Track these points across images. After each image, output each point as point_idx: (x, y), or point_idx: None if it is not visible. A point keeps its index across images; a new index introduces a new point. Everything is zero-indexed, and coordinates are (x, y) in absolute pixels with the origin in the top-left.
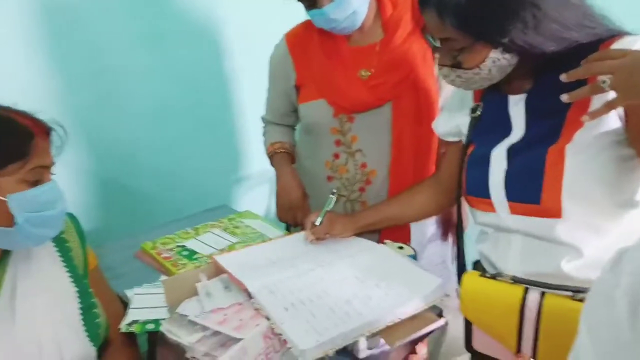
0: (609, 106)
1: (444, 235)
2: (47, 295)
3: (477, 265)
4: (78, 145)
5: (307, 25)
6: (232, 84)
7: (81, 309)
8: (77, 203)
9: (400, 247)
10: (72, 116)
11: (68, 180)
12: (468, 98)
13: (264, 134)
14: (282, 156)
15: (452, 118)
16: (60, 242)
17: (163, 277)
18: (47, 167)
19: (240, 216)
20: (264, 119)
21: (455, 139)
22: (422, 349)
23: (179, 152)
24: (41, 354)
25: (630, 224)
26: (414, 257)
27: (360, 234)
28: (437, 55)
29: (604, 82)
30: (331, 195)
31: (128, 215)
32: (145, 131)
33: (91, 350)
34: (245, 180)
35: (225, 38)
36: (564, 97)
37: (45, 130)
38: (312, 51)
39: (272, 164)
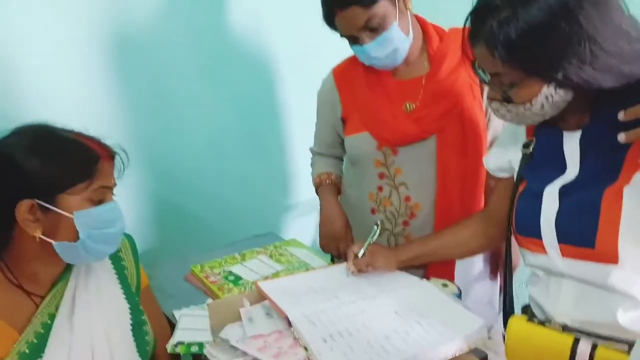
0: None
1: (492, 274)
2: (102, 310)
3: (526, 309)
4: (139, 169)
5: (353, 60)
6: (283, 115)
7: (132, 324)
8: (134, 223)
9: (445, 285)
10: (135, 141)
11: (127, 201)
12: (520, 133)
13: (312, 165)
14: (328, 187)
15: (503, 153)
16: (116, 260)
17: (209, 301)
18: (110, 188)
19: (286, 244)
20: (312, 151)
21: (506, 175)
22: None
23: (232, 178)
24: None
25: None
26: (459, 295)
27: (405, 269)
28: (486, 89)
29: None
30: (375, 227)
31: (181, 237)
32: (202, 157)
33: None
34: (293, 209)
35: (278, 72)
36: (621, 137)
37: (110, 154)
38: (357, 85)
39: (318, 194)
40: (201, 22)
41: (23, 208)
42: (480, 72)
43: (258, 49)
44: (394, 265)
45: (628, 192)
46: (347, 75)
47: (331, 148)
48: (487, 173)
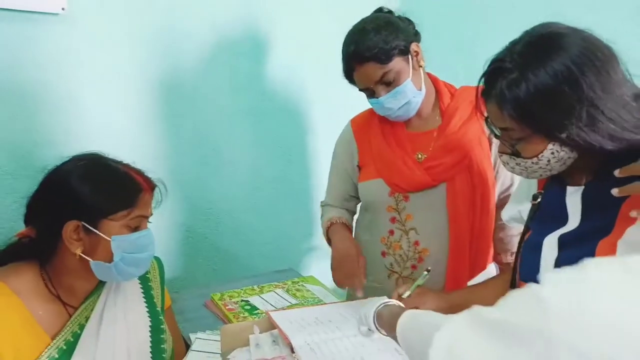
0: None
1: None
2: (126, 325)
3: None
4: (175, 200)
5: (370, 112)
6: (312, 159)
7: (151, 341)
8: (164, 250)
9: None
10: (174, 175)
11: (160, 229)
12: (533, 187)
13: (322, 216)
14: (339, 226)
15: (517, 205)
16: (144, 280)
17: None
18: (146, 217)
19: (304, 280)
20: (323, 204)
21: (517, 224)
22: None
23: (261, 215)
24: None
25: None
26: None
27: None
28: (496, 143)
29: None
30: (425, 272)
31: (207, 267)
32: (235, 194)
33: None
34: (316, 250)
35: (311, 120)
36: (614, 191)
37: (151, 186)
38: (373, 134)
39: (328, 234)
40: (243, 70)
41: (70, 228)
42: (492, 127)
43: (294, 97)
44: (445, 309)
45: (621, 246)
46: (365, 126)
47: (344, 201)
48: (495, 225)
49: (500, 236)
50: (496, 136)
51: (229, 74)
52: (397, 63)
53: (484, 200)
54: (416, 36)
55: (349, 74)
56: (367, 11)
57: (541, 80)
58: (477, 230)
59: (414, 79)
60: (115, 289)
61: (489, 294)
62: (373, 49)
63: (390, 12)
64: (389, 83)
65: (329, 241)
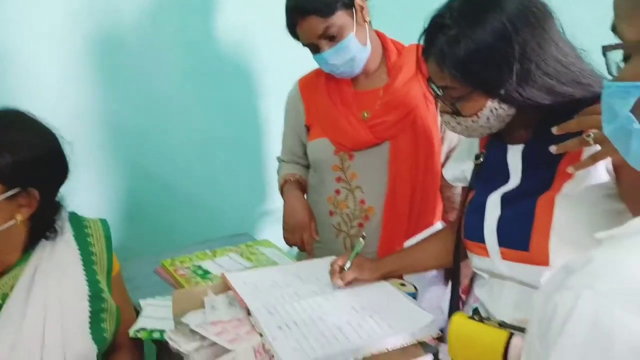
0: (593, 159)
1: (446, 280)
2: (60, 293)
3: (475, 311)
4: (121, 166)
5: (317, 72)
6: (266, 123)
7: (91, 311)
8: (113, 217)
9: (402, 284)
10: (120, 138)
11: (107, 194)
12: (475, 146)
13: (278, 171)
14: (292, 184)
15: (459, 164)
16: (84, 244)
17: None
18: None
19: (258, 244)
20: (279, 159)
21: (462, 184)
22: None
23: (213, 181)
24: (43, 347)
25: None
26: (414, 295)
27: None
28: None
29: (588, 135)
30: (360, 240)
31: (157, 234)
32: (185, 159)
33: (93, 352)
34: (271, 214)
35: (264, 80)
36: (553, 149)
37: None
38: (319, 94)
39: (282, 193)
40: (191, 28)
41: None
42: (433, 86)
43: (245, 59)
44: (379, 277)
45: (559, 201)
46: (311, 85)
47: (296, 156)
48: (442, 184)
49: (448, 195)
50: (437, 95)
51: (177, 31)
52: (340, 17)
53: (428, 158)
54: None
55: (292, 28)
56: None
57: (479, 37)
58: (421, 189)
59: (358, 34)
60: (49, 254)
61: (424, 258)
62: (314, 2)
63: None
64: (332, 37)
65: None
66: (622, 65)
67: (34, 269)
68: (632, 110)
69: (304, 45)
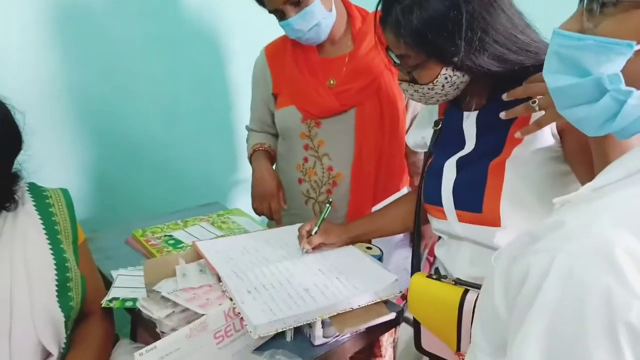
0: (537, 124)
1: (411, 242)
2: (26, 264)
3: (436, 271)
4: (88, 136)
5: (283, 39)
6: (235, 91)
7: (57, 280)
8: (81, 187)
9: (369, 247)
10: (85, 106)
11: (74, 165)
12: (435, 113)
13: (247, 140)
14: (261, 153)
15: (420, 131)
16: (46, 215)
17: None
18: None
19: (229, 213)
20: (248, 128)
21: (423, 150)
22: (387, 351)
23: (182, 149)
24: (12, 317)
25: None
26: (380, 257)
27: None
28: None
29: (533, 102)
30: (327, 205)
31: (127, 204)
32: (152, 128)
33: (61, 321)
34: (242, 183)
35: (231, 47)
36: (502, 114)
37: None
38: (286, 61)
39: (251, 162)
40: None
41: None
42: (391, 54)
43: (213, 25)
44: (345, 241)
45: (509, 165)
46: (278, 53)
47: (265, 125)
48: (407, 150)
49: (413, 160)
50: (395, 64)
51: None
52: None
53: (393, 124)
54: None
55: None
56: None
57: (432, 6)
58: (387, 154)
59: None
60: (10, 224)
61: (390, 222)
62: None
63: None
64: (298, 3)
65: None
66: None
67: None
68: (622, 72)
69: (270, 12)
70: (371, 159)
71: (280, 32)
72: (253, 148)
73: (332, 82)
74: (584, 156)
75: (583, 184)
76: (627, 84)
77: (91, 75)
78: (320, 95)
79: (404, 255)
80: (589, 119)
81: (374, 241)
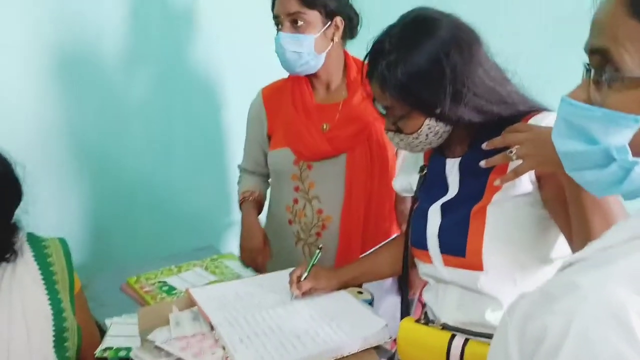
0: (515, 173)
1: (400, 287)
2: (23, 313)
3: (425, 315)
4: (83, 181)
5: (282, 83)
6: (230, 134)
7: (54, 330)
8: (76, 235)
9: (360, 292)
10: (81, 150)
11: (68, 209)
12: (420, 159)
13: (238, 182)
14: (250, 203)
15: (407, 176)
16: (45, 265)
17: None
18: None
19: (222, 257)
20: (240, 168)
21: (410, 194)
22: None
23: (177, 192)
24: None
25: (546, 277)
26: (371, 301)
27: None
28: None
29: (510, 151)
30: (317, 251)
31: (122, 248)
32: (146, 172)
33: None
34: (235, 225)
35: (225, 90)
36: (482, 163)
37: None
38: (283, 104)
39: (241, 209)
40: (153, 39)
41: None
42: (378, 105)
43: (209, 70)
44: (335, 286)
45: (490, 210)
46: (276, 94)
47: (258, 166)
48: (396, 198)
49: (401, 208)
50: (381, 114)
51: (138, 42)
52: (314, 16)
53: (382, 171)
54: (349, 20)
55: None
56: None
57: (415, 61)
58: (376, 200)
59: (319, 41)
60: (9, 275)
61: (379, 266)
62: None
63: None
64: (296, 24)
65: None
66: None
67: None
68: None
69: (274, 16)
70: (360, 204)
71: (271, 78)
72: (242, 195)
73: (325, 126)
74: (561, 204)
75: (561, 230)
76: (634, 154)
77: (87, 121)
78: (314, 139)
79: (394, 301)
80: (596, 183)
81: (366, 285)
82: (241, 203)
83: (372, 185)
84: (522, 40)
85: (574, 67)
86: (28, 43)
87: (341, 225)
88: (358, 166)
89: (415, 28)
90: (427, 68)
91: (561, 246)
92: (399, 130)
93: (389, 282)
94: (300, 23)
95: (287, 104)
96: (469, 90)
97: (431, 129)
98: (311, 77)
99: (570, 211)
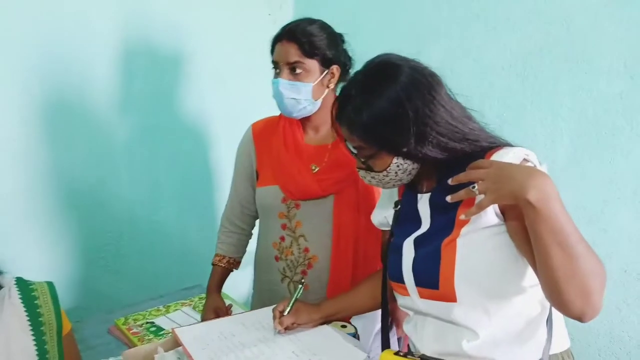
0: (478, 207)
1: (390, 325)
2: (8, 355)
3: (408, 347)
4: (72, 224)
5: (272, 120)
6: (216, 174)
7: None
8: (62, 277)
9: (344, 326)
10: (69, 197)
11: (56, 252)
12: (395, 194)
13: (219, 235)
14: (218, 269)
15: (383, 211)
16: (31, 307)
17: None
18: None
19: None
20: (222, 217)
21: (387, 229)
22: None
23: (164, 233)
24: None
25: (519, 306)
26: (354, 334)
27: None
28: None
29: (473, 186)
30: (299, 286)
31: (110, 291)
32: (134, 214)
33: None
34: None
35: (211, 132)
36: (448, 198)
37: None
38: (274, 142)
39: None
40: (136, 86)
41: None
42: (349, 145)
43: (194, 111)
44: (317, 321)
45: (460, 243)
46: (265, 131)
47: (244, 206)
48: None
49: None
50: (352, 154)
51: (125, 84)
52: (312, 64)
53: (368, 212)
54: (344, 66)
55: (275, 42)
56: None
57: (378, 105)
58: (364, 241)
59: (316, 88)
60: None
61: (360, 300)
62: (305, 36)
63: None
64: (295, 72)
65: None
66: None
67: None
68: None
69: (272, 60)
70: (349, 245)
71: (261, 113)
72: (215, 258)
73: (314, 167)
74: (524, 234)
75: (527, 259)
76: None
77: (75, 165)
78: (304, 179)
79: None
80: None
81: (356, 319)
82: (212, 264)
83: (360, 225)
84: (491, 77)
85: (542, 99)
86: (16, 86)
87: (331, 266)
88: (346, 207)
89: (377, 73)
90: (390, 111)
91: (533, 275)
92: (369, 168)
93: (376, 316)
94: (299, 71)
95: (277, 142)
96: (432, 129)
97: (399, 167)
98: (303, 119)
99: (531, 241)
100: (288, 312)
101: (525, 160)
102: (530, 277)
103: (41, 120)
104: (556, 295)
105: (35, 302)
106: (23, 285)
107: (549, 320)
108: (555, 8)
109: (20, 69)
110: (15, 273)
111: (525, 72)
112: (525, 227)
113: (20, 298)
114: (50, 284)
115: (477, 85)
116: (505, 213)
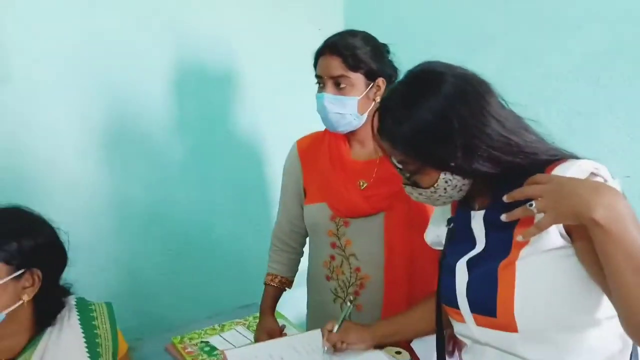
0: (537, 227)
1: (452, 351)
2: None
3: None
4: (130, 245)
5: (318, 136)
6: (271, 191)
7: None
8: (121, 295)
9: (398, 352)
10: (127, 217)
11: (114, 274)
12: (447, 211)
13: (270, 254)
14: (270, 288)
15: (435, 229)
16: (89, 329)
17: None
18: None
19: None
20: (272, 235)
21: (440, 248)
22: None
23: (221, 251)
24: None
25: (594, 340)
26: None
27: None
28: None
29: (531, 205)
30: (348, 304)
31: (169, 309)
32: (191, 232)
33: None
34: None
35: (265, 148)
36: (503, 217)
37: None
38: (320, 159)
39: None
40: (190, 107)
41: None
42: (393, 160)
43: (248, 127)
44: (368, 342)
45: (519, 266)
46: (311, 148)
47: (293, 224)
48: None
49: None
50: (397, 168)
51: (175, 112)
52: (357, 78)
53: (421, 229)
54: (390, 78)
55: (318, 55)
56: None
57: (421, 117)
58: (419, 260)
59: (362, 102)
60: (55, 339)
61: (416, 322)
62: (349, 49)
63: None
64: (339, 86)
65: None
66: None
67: (41, 355)
68: None
69: (316, 75)
70: (401, 263)
71: (309, 130)
72: (267, 277)
73: (362, 183)
74: (594, 258)
75: (599, 286)
76: None
77: (133, 188)
78: (351, 196)
79: None
80: None
81: (418, 342)
82: (265, 284)
83: (413, 243)
84: (556, 82)
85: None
86: (75, 114)
87: (385, 287)
88: (397, 225)
89: (419, 83)
90: (433, 123)
91: (610, 305)
92: (415, 184)
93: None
94: (343, 85)
95: (323, 158)
96: (482, 142)
97: (448, 183)
98: (348, 133)
99: (603, 266)
100: (337, 331)
101: (593, 174)
102: (607, 307)
103: (99, 146)
104: (635, 329)
105: (93, 322)
106: (83, 306)
107: (633, 358)
108: (621, 5)
109: (78, 97)
110: (78, 293)
111: (597, 75)
112: (594, 250)
113: (78, 319)
114: (109, 305)
115: (539, 92)
116: (572, 234)
